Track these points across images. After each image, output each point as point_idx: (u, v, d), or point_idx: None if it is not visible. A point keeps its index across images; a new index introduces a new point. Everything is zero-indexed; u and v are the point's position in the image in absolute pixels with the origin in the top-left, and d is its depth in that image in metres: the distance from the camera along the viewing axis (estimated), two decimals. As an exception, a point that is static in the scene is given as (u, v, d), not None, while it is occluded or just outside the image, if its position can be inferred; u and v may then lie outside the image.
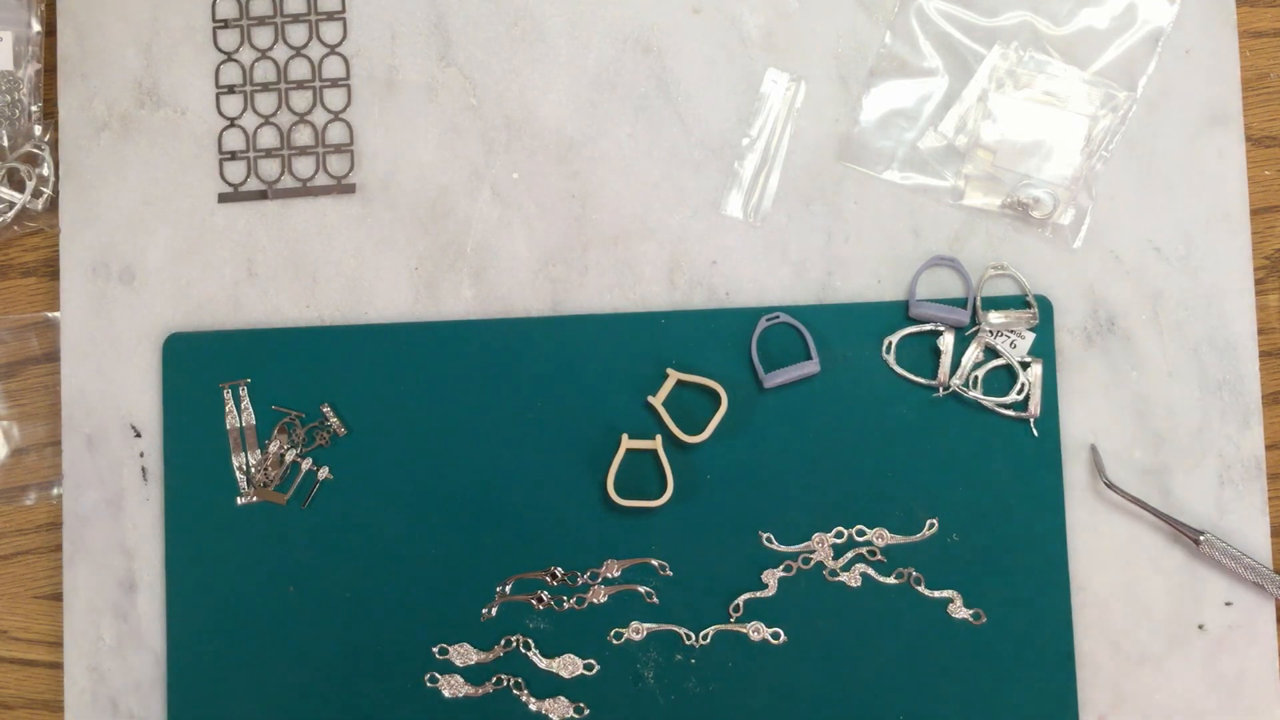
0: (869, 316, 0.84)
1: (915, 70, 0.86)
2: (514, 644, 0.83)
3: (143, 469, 0.86)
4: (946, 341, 0.83)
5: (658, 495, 0.82)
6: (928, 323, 0.83)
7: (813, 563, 0.83)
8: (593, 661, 0.83)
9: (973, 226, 0.85)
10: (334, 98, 0.88)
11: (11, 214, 0.88)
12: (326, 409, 0.84)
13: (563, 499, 0.83)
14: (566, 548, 0.83)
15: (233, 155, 0.88)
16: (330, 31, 0.88)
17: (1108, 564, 0.83)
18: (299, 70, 0.89)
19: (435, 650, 0.83)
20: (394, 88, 0.88)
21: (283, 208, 0.88)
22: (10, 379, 0.89)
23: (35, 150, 0.88)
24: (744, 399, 0.83)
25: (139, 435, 0.86)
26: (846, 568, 0.83)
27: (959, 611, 0.82)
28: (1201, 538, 0.81)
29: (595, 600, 0.83)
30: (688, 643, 0.83)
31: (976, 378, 0.83)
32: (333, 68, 0.88)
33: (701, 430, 0.82)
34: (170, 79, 0.88)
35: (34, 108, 0.89)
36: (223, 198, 0.88)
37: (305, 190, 0.87)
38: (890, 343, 0.83)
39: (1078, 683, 0.82)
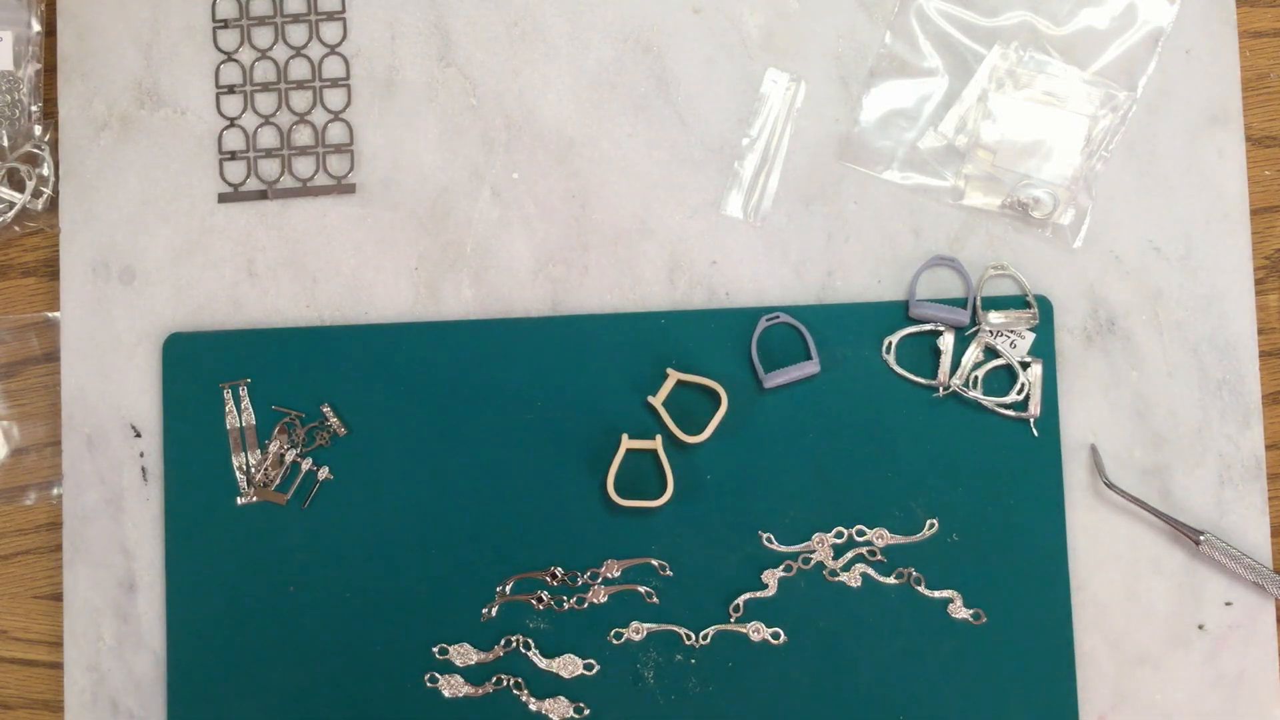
0: (869, 316, 0.84)
1: (915, 70, 0.86)
2: (514, 644, 0.83)
3: (143, 469, 0.86)
4: (946, 341, 0.83)
5: (658, 495, 0.82)
6: (928, 323, 0.83)
7: (813, 563, 0.83)
8: (593, 661, 0.83)
9: (973, 226, 0.85)
10: (334, 98, 0.88)
11: (11, 214, 0.88)
12: (326, 409, 0.84)
13: (563, 499, 0.83)
14: (566, 548, 0.83)
15: (233, 155, 0.88)
16: (330, 31, 0.88)
17: (1108, 564, 0.83)
18: (299, 70, 0.89)
19: (435, 650, 0.83)
20: (394, 88, 0.88)
21: (283, 208, 0.88)
22: (10, 379, 0.89)
23: (35, 150, 0.88)
24: (744, 399, 0.83)
25: (139, 435, 0.86)
26: (846, 568, 0.83)
27: (959, 611, 0.82)
28: (1201, 538, 0.81)
29: (595, 600, 0.83)
30: (688, 643, 0.83)
31: (976, 378, 0.83)
32: (333, 68, 0.88)
33: (701, 430, 0.82)
34: (170, 79, 0.88)
35: (34, 108, 0.89)
36: (223, 198, 0.88)
37: (305, 190, 0.87)
38: (890, 343, 0.83)
39: (1078, 683, 0.82)
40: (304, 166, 0.88)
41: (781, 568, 0.83)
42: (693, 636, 0.83)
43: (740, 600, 0.83)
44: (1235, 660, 0.82)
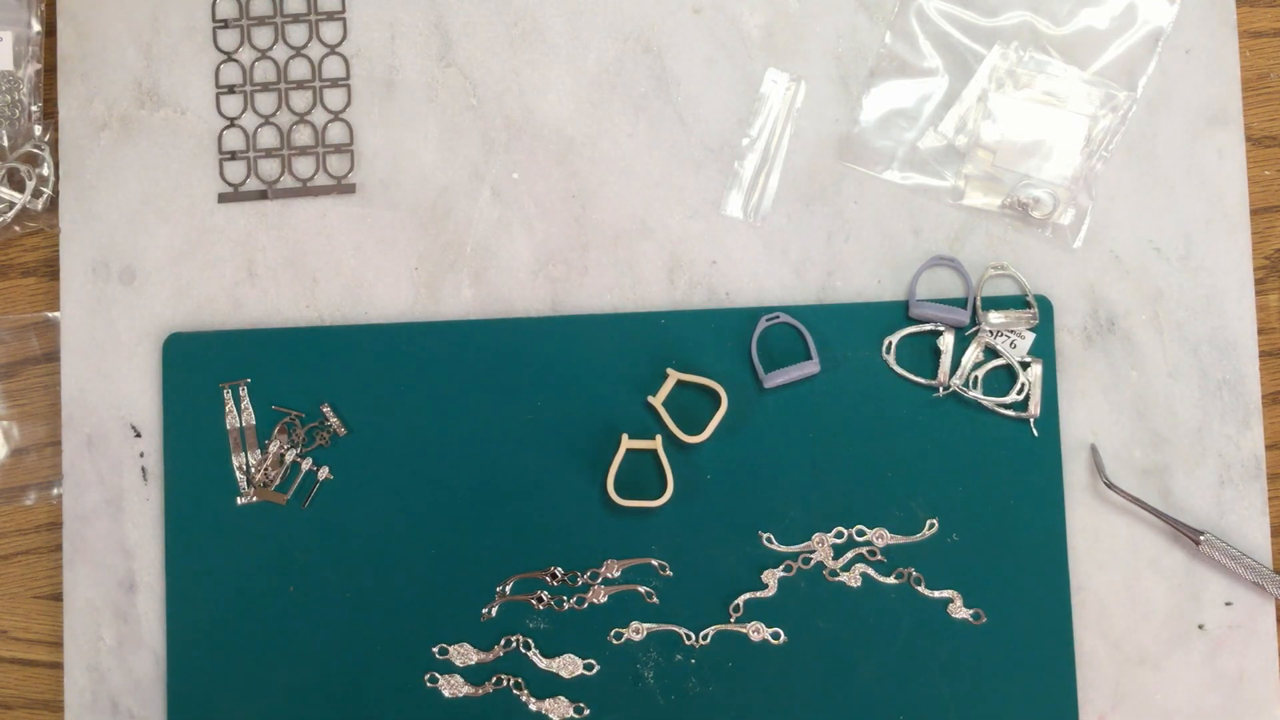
0: (869, 316, 0.84)
1: (915, 70, 0.86)
2: (514, 644, 0.83)
3: (143, 469, 0.86)
4: (946, 341, 0.83)
5: (658, 495, 0.82)
6: (928, 323, 0.83)
7: (813, 563, 0.83)
8: (593, 661, 0.83)
9: (973, 226, 0.85)
10: (334, 98, 0.88)
11: (11, 214, 0.88)
12: (326, 409, 0.84)
13: (563, 499, 0.83)
14: (566, 548, 0.83)
15: (233, 155, 0.88)
16: (330, 31, 0.88)
17: (1108, 564, 0.83)
18: (299, 70, 0.89)
19: (435, 650, 0.83)
20: (394, 88, 0.88)
21: (283, 208, 0.88)
22: (10, 379, 0.89)
23: (35, 150, 0.88)
24: (744, 399, 0.83)
25: (139, 435, 0.86)
26: (846, 568, 0.83)
27: (959, 611, 0.82)
28: (1201, 538, 0.81)
29: (595, 600, 0.83)
30: (688, 643, 0.83)
31: (976, 378, 0.83)
32: (333, 68, 0.88)
33: (701, 430, 0.82)
34: (170, 79, 0.88)
35: (34, 108, 0.89)
36: (223, 198, 0.88)
37: (305, 190, 0.87)
38: (890, 343, 0.83)
39: (1078, 683, 0.82)
40: (304, 166, 0.88)
41: (781, 568, 0.83)
42: (693, 636, 0.83)
43: (740, 600, 0.83)
44: (1235, 660, 0.82)
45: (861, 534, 0.83)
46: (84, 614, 0.86)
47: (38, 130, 0.88)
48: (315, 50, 0.88)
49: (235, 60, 0.89)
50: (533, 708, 0.83)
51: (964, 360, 0.83)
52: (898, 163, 0.85)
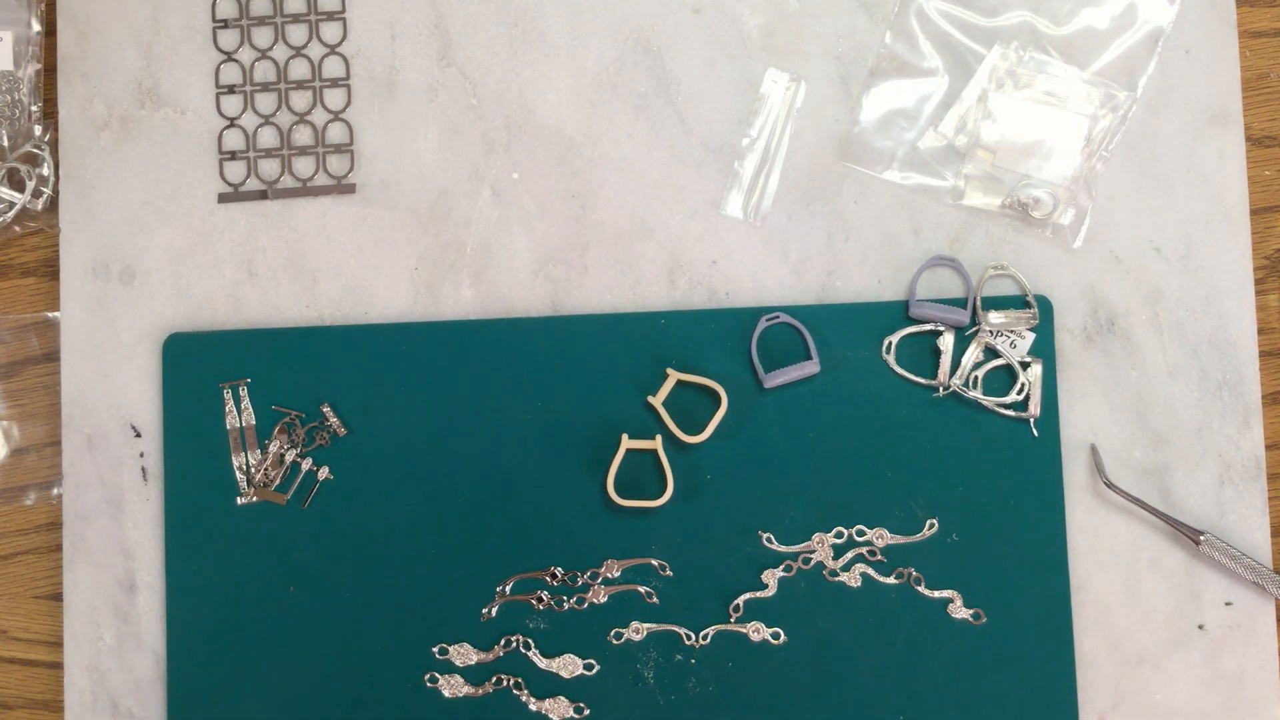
0: (869, 316, 0.84)
1: (915, 70, 0.86)
2: (514, 644, 0.83)
3: (143, 469, 0.86)
4: (946, 341, 0.83)
5: (658, 495, 0.82)
6: (928, 323, 0.83)
7: (813, 563, 0.83)
8: (593, 661, 0.83)
9: (973, 226, 0.85)
10: (334, 98, 0.88)
11: (11, 214, 0.88)
12: (326, 409, 0.84)
13: (563, 499, 0.83)
14: (566, 548, 0.83)
15: (233, 155, 0.88)
16: (330, 31, 0.88)
17: (1108, 564, 0.83)
18: (299, 70, 0.89)
19: (435, 650, 0.83)
20: (394, 88, 0.88)
21: (283, 208, 0.88)
22: (10, 379, 0.89)
23: (35, 150, 0.88)
24: (744, 399, 0.83)
25: (139, 435, 0.86)
26: (846, 568, 0.83)
27: (959, 611, 0.82)
28: (1201, 538, 0.81)
29: (595, 600, 0.83)
30: (688, 643, 0.83)
31: (976, 378, 0.83)
32: (333, 68, 0.88)
33: (701, 430, 0.82)
34: (170, 79, 0.88)
35: (34, 108, 0.89)
36: (223, 198, 0.88)
37: (305, 190, 0.87)
38: (890, 343, 0.83)
39: (1078, 683, 0.82)
40: (304, 166, 0.88)
41: (781, 568, 0.83)
42: (693, 636, 0.83)
43: (740, 600, 0.83)
44: (1235, 660, 0.82)
45: (861, 534, 0.83)
46: (84, 614, 0.86)
47: (38, 130, 0.88)
48: (315, 50, 0.88)
49: (235, 60, 0.89)
50: (533, 708, 0.83)
51: (964, 360, 0.83)
52: (898, 163, 0.85)
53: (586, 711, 0.83)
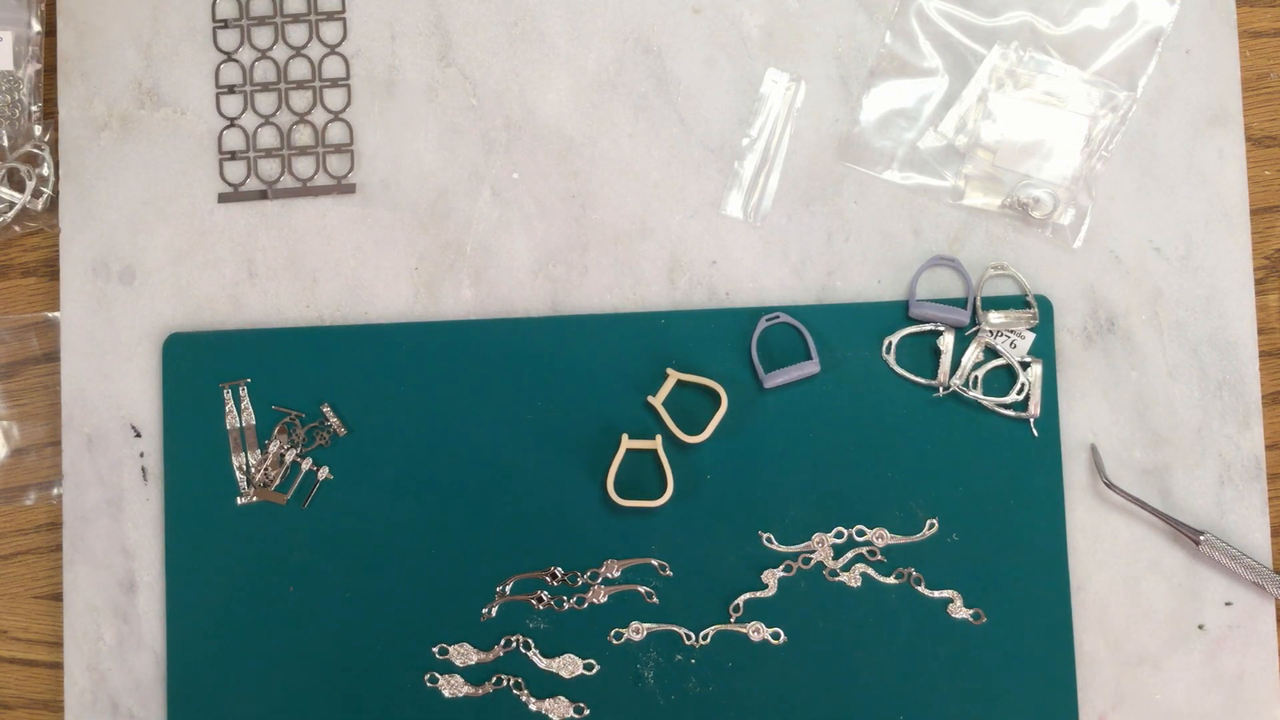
0: (869, 316, 0.84)
1: (915, 70, 0.86)
2: (514, 644, 0.83)
3: (143, 469, 0.86)
4: (946, 341, 0.83)
5: (658, 495, 0.82)
6: (928, 323, 0.83)
7: (813, 563, 0.83)
8: (593, 661, 0.83)
9: (973, 226, 0.85)
10: (334, 98, 0.88)
11: (11, 214, 0.88)
12: (326, 409, 0.84)
13: (563, 499, 0.83)
14: (566, 548, 0.83)
15: (233, 155, 0.88)
16: (330, 31, 0.88)
17: (1108, 564, 0.83)
18: (299, 70, 0.89)
19: (435, 650, 0.83)
20: (394, 88, 0.88)
21: (283, 208, 0.88)
22: (10, 379, 0.89)
23: (35, 150, 0.88)
24: (744, 399, 0.83)
25: (139, 435, 0.86)
26: (846, 568, 0.83)
27: (959, 611, 0.82)
28: (1201, 538, 0.81)
29: (595, 600, 0.83)
30: (688, 643, 0.83)
31: (976, 378, 0.83)
32: (333, 68, 0.88)
33: (701, 430, 0.82)
34: (170, 79, 0.88)
35: (34, 108, 0.89)
36: (223, 198, 0.88)
37: (305, 190, 0.87)
38: (890, 343, 0.83)
39: (1078, 683, 0.82)
40: (304, 166, 0.88)
41: (781, 568, 0.83)
42: (693, 636, 0.83)
43: (740, 600, 0.83)
44: (1235, 660, 0.82)
45: (861, 534, 0.83)
46: (84, 614, 0.86)
47: (38, 130, 0.88)
48: (315, 50, 0.88)
49: (235, 60, 0.89)
50: (533, 708, 0.83)
51: (964, 360, 0.83)
52: (898, 163, 0.85)
53: (586, 711, 0.83)
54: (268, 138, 0.88)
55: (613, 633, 0.83)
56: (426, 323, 0.85)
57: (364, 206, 0.87)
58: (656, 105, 0.87)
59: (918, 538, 0.83)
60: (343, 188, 0.87)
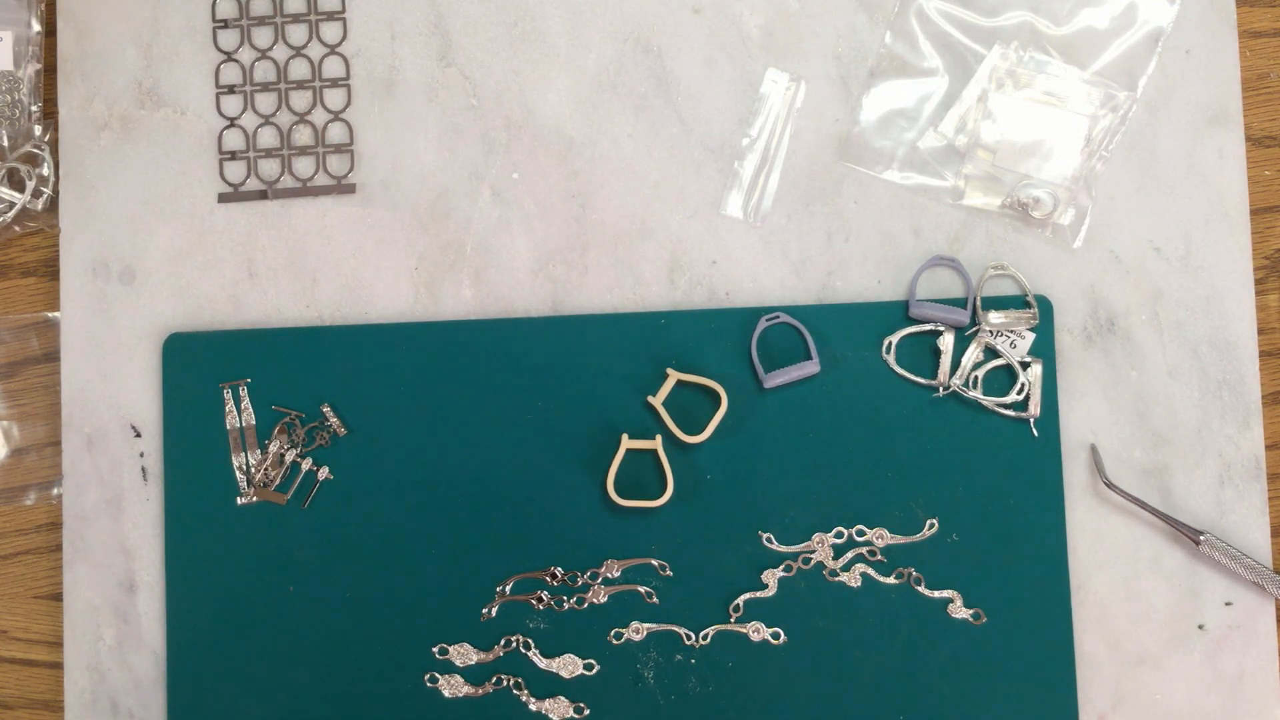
0: (869, 316, 0.84)
1: (915, 70, 0.86)
2: (514, 644, 0.83)
3: (143, 469, 0.86)
4: (946, 341, 0.83)
5: (658, 495, 0.82)
6: (928, 323, 0.83)
7: (813, 563, 0.83)
8: (593, 661, 0.83)
9: (973, 226, 0.85)
10: (334, 98, 0.88)
11: (11, 214, 0.88)
12: (326, 409, 0.85)
13: (563, 499, 0.83)
14: (566, 548, 0.83)
15: (233, 155, 0.88)
16: (330, 31, 0.88)
17: (1108, 564, 0.83)
18: (299, 70, 0.89)
19: (435, 650, 0.83)
20: (394, 88, 0.88)
21: (283, 208, 0.88)
22: (10, 379, 0.89)
23: (35, 150, 0.88)
24: (744, 399, 0.83)
25: (139, 435, 0.86)
26: (846, 568, 0.83)
27: (959, 611, 0.82)
28: (1201, 538, 0.81)
29: (595, 600, 0.83)
30: (688, 643, 0.83)
31: (976, 378, 0.83)
32: (333, 68, 0.88)
33: (701, 430, 0.82)
34: (170, 79, 0.88)
35: (34, 108, 0.89)
36: (223, 198, 0.88)
37: (305, 190, 0.87)
38: (890, 343, 0.83)
39: (1078, 683, 0.82)
40: (304, 166, 0.88)
41: (781, 568, 0.83)
42: (693, 636, 0.83)
43: (740, 600, 0.83)
44: (1235, 660, 0.82)
45: (861, 534, 0.83)
46: (84, 614, 0.86)
47: (38, 130, 0.88)
48: (315, 50, 0.88)
49: (235, 60, 0.89)
50: (533, 708, 0.83)
51: (964, 360, 0.83)
52: (898, 163, 0.85)
53: (586, 711, 0.83)
54: (268, 138, 0.88)
55: (613, 633, 0.83)
56: (426, 323, 0.85)
57: (364, 206, 0.87)
58: (656, 105, 0.87)
59: (918, 538, 0.83)
60: (343, 188, 0.87)
